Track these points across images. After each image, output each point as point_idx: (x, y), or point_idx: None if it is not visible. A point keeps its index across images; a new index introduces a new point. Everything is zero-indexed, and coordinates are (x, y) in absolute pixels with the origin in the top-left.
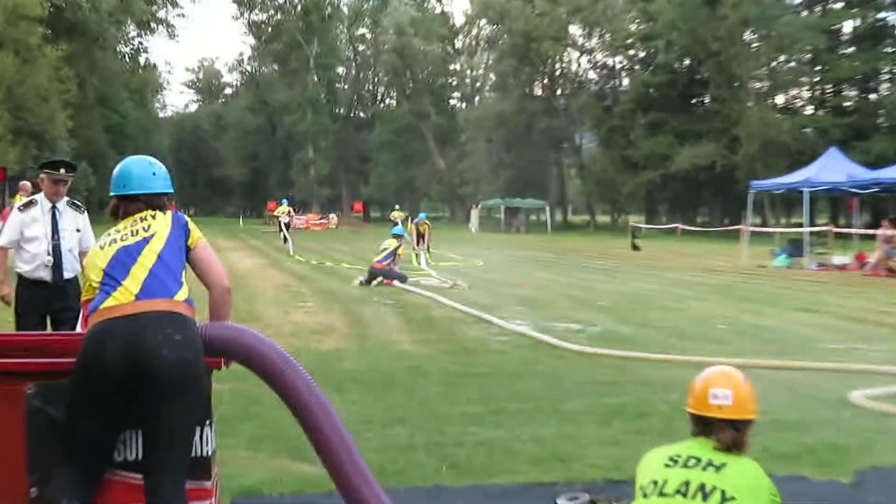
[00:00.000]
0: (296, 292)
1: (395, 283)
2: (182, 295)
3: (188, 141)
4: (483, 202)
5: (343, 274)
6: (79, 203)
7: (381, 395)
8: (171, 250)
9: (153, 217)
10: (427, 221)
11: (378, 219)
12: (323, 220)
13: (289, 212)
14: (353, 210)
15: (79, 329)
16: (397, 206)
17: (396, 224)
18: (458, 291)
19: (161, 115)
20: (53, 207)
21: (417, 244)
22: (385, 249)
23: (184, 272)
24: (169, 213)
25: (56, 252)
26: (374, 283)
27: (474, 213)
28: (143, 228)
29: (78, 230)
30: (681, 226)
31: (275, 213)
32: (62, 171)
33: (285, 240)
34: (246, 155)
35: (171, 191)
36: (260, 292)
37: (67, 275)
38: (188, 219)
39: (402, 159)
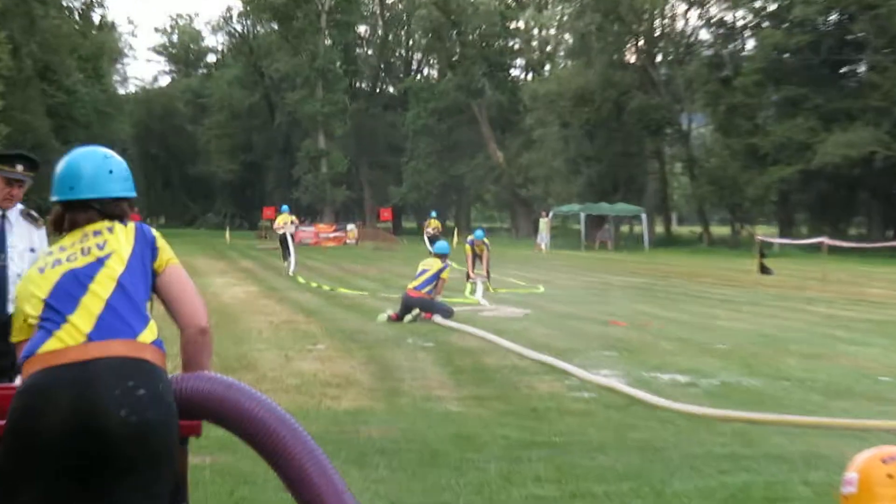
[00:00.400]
0: (302, 331)
1: (437, 318)
2: (148, 335)
3: (158, 126)
4: (555, 209)
5: (365, 306)
6: (35, 215)
7: (419, 472)
8: (133, 275)
9: (110, 230)
10: (485, 241)
11: (413, 230)
12: (338, 233)
13: (291, 221)
14: (380, 218)
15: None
16: (434, 214)
17: (436, 237)
18: (521, 329)
19: (122, 91)
20: (2, 217)
21: (472, 270)
22: (424, 273)
23: (150, 304)
24: (131, 224)
25: (1, 277)
26: (409, 317)
27: (544, 224)
28: (97, 246)
29: (32, 249)
30: (827, 240)
31: (274, 226)
32: (19, 167)
33: (286, 257)
34: (235, 145)
35: (134, 194)
36: (254, 331)
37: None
38: (156, 233)
39: (446, 150)
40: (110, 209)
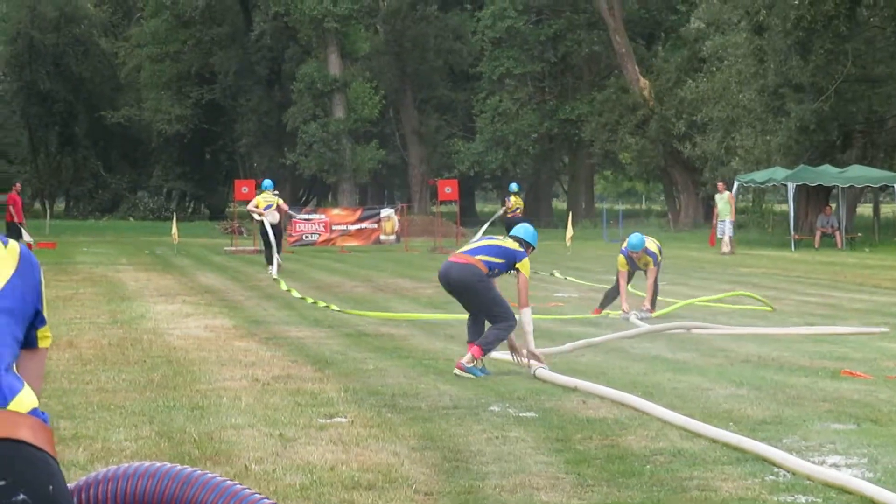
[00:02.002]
0: (308, 393)
1: (541, 371)
2: (26, 400)
3: (50, 41)
4: (742, 177)
5: (415, 346)
6: None
7: None
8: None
9: None
10: (653, 248)
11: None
12: (366, 224)
13: (276, 206)
14: (437, 198)
15: None
16: (514, 188)
17: (518, 220)
18: (686, 387)
19: None
20: None
21: (626, 298)
22: (490, 239)
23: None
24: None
25: None
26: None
27: (724, 203)
28: None
29: None
30: None
31: (250, 209)
32: None
33: (269, 257)
34: (183, 74)
35: None
36: (225, 394)
37: None
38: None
39: (550, 77)
40: None
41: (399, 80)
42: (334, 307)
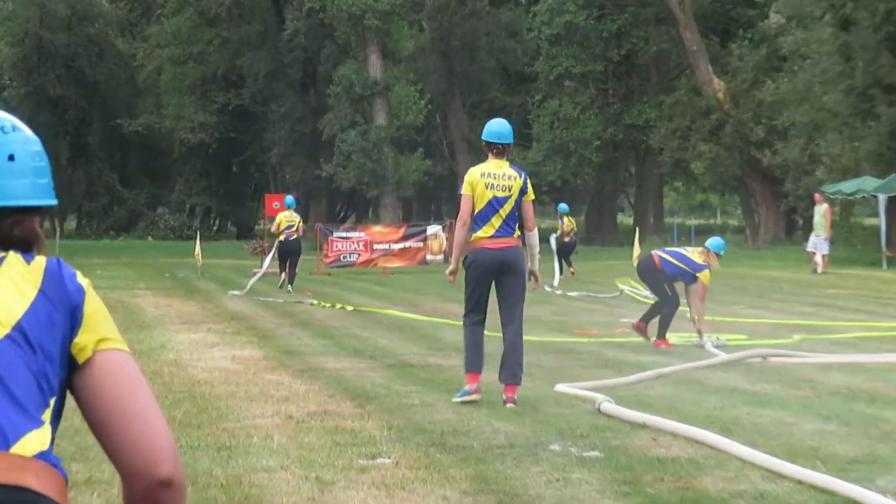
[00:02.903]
0: (348, 431)
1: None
2: (34, 443)
3: (61, 42)
4: (825, 188)
5: (456, 378)
6: None
7: None
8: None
9: None
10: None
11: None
12: (411, 242)
13: (296, 224)
14: None
15: None
16: (564, 208)
17: (569, 244)
18: (769, 422)
19: None
20: None
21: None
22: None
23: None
24: (39, 261)
25: None
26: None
27: (821, 216)
28: None
29: None
30: None
31: (274, 229)
32: None
33: (284, 279)
34: (208, 77)
35: (54, 201)
36: (255, 432)
37: None
38: (84, 282)
39: (614, 78)
40: (7, 228)
41: (447, 83)
42: (349, 307)
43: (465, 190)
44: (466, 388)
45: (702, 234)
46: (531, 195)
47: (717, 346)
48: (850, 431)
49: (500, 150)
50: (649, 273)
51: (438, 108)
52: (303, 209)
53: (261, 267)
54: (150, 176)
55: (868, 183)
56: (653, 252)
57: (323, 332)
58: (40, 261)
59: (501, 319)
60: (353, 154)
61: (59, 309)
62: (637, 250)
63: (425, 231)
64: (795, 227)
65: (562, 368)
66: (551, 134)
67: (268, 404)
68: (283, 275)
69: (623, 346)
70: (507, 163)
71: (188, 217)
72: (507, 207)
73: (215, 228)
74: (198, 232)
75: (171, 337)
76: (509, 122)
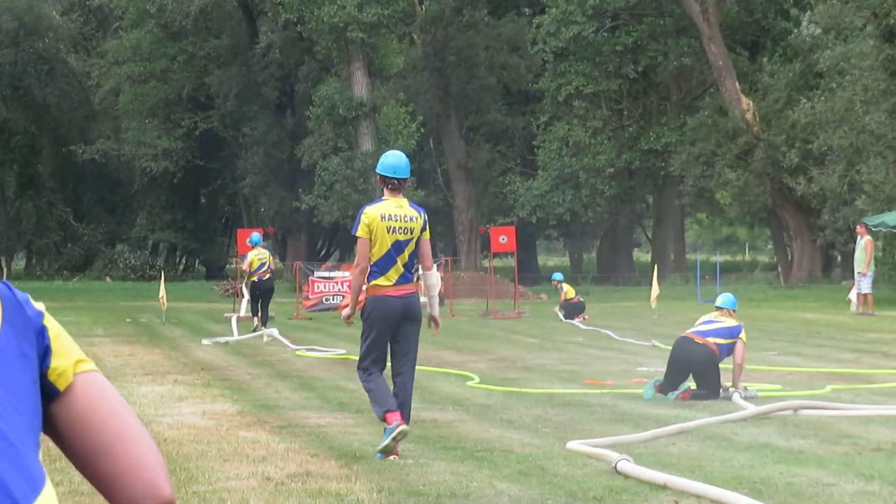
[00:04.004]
0: (333, 494)
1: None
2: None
3: (7, 58)
4: (866, 219)
5: (465, 436)
6: None
7: None
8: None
9: None
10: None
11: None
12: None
13: (268, 262)
14: (490, 249)
15: None
16: (558, 277)
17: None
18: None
19: None
20: None
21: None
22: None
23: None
24: None
25: None
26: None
27: (862, 249)
28: None
29: None
30: None
31: (244, 268)
32: None
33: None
34: (172, 98)
35: None
36: (229, 497)
37: None
38: (40, 306)
39: (630, 97)
40: None
41: (441, 103)
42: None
43: (361, 232)
44: (389, 427)
45: (728, 271)
46: (428, 234)
47: (746, 398)
48: (895, 492)
49: (395, 186)
50: (706, 363)
51: (432, 132)
52: (279, 246)
53: (234, 311)
54: (107, 209)
55: None
56: (706, 339)
57: (304, 384)
58: None
59: (393, 369)
60: (335, 184)
61: (27, 337)
62: (655, 290)
63: (417, 270)
64: (833, 263)
65: (571, 423)
66: (559, 161)
67: (243, 465)
68: (256, 319)
69: (640, 397)
70: (406, 200)
71: (151, 255)
72: (409, 251)
73: (182, 268)
74: (162, 272)
75: (133, 389)
76: (511, 147)
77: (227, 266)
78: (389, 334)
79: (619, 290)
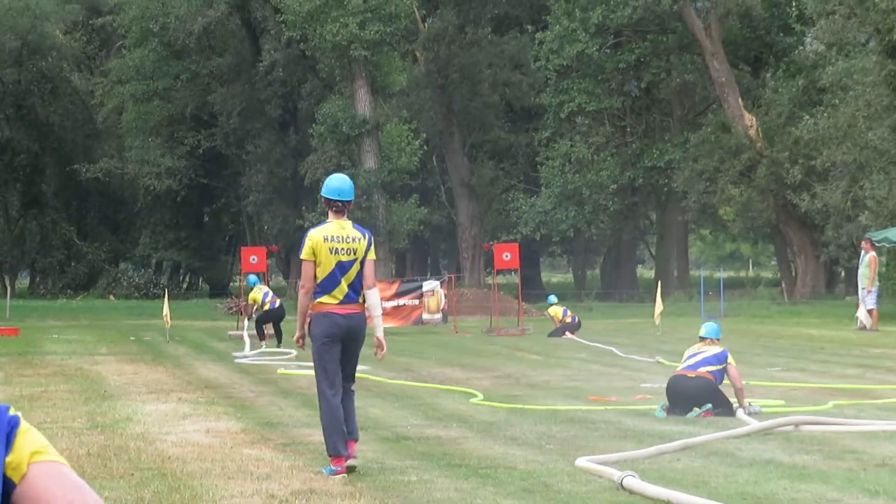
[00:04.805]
0: None
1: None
2: None
3: (11, 77)
4: (870, 235)
5: (469, 453)
6: None
7: None
8: None
9: None
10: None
11: (566, 290)
12: (405, 299)
13: (268, 291)
14: (495, 265)
15: None
16: (555, 298)
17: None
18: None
19: None
20: None
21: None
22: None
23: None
24: None
25: None
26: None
27: (867, 265)
28: None
29: None
30: None
31: (243, 307)
32: None
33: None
34: (176, 117)
35: None
36: None
37: None
38: (18, 413)
39: (633, 114)
40: None
41: (444, 121)
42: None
43: (305, 255)
44: (333, 468)
45: (732, 287)
46: (373, 255)
47: (749, 414)
48: None
49: (339, 208)
50: (706, 391)
51: (435, 150)
52: (283, 263)
53: (238, 329)
54: (111, 228)
55: None
56: (698, 371)
57: (307, 402)
58: None
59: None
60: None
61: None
62: (659, 307)
63: (421, 287)
64: (837, 279)
65: (575, 439)
66: (562, 178)
67: (247, 482)
68: (263, 342)
69: (644, 414)
70: (350, 222)
71: (155, 273)
72: (353, 272)
73: (185, 286)
74: (166, 290)
75: (137, 408)
76: (515, 164)
77: (231, 284)
78: (338, 351)
79: (623, 307)
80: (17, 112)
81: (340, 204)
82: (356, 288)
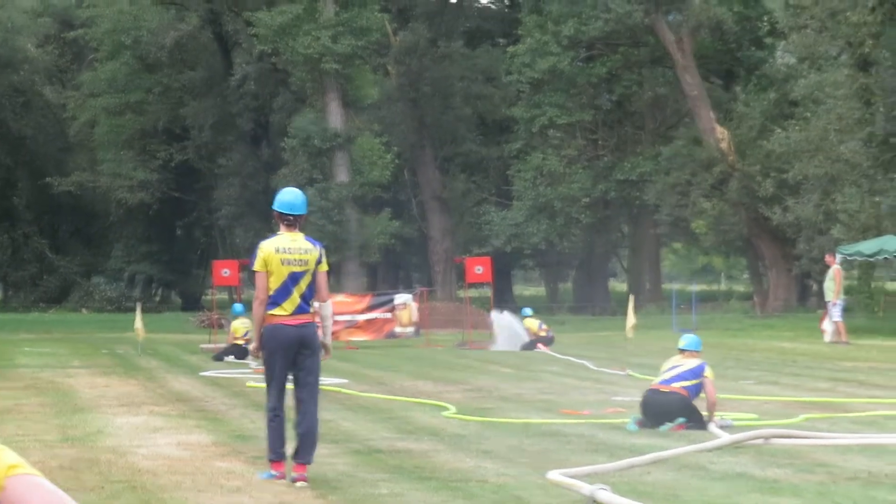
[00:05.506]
0: None
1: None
2: None
3: None
4: (842, 249)
5: (440, 466)
6: None
7: None
8: None
9: None
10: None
11: (538, 302)
12: (377, 313)
13: (245, 335)
14: (465, 279)
15: None
16: (528, 312)
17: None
18: None
19: None
20: None
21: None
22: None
23: None
24: None
25: None
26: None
27: (831, 279)
28: None
29: None
30: None
31: (231, 338)
32: None
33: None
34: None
35: None
36: None
37: None
38: None
39: (605, 127)
40: None
41: (416, 134)
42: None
43: (257, 266)
44: (272, 473)
45: (705, 300)
46: (325, 266)
47: (720, 427)
48: None
49: (291, 222)
50: (679, 406)
51: (407, 163)
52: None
53: (210, 342)
54: (83, 241)
55: (890, 242)
56: (672, 387)
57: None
58: None
59: (298, 399)
60: (310, 215)
61: None
62: (631, 320)
63: (393, 300)
64: (809, 292)
65: (547, 452)
66: (534, 191)
67: (218, 496)
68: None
69: (616, 427)
70: (302, 234)
71: (127, 287)
72: (305, 283)
73: (158, 299)
74: (138, 303)
75: (109, 421)
76: (487, 177)
77: (203, 297)
78: (288, 363)
79: (596, 320)
80: None
81: (292, 218)
82: (307, 299)
